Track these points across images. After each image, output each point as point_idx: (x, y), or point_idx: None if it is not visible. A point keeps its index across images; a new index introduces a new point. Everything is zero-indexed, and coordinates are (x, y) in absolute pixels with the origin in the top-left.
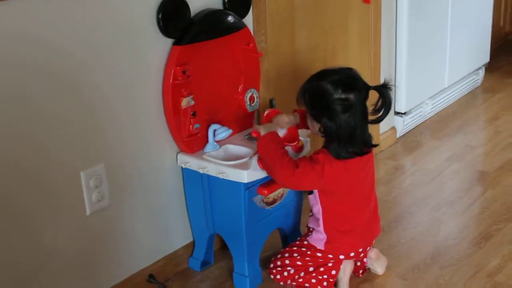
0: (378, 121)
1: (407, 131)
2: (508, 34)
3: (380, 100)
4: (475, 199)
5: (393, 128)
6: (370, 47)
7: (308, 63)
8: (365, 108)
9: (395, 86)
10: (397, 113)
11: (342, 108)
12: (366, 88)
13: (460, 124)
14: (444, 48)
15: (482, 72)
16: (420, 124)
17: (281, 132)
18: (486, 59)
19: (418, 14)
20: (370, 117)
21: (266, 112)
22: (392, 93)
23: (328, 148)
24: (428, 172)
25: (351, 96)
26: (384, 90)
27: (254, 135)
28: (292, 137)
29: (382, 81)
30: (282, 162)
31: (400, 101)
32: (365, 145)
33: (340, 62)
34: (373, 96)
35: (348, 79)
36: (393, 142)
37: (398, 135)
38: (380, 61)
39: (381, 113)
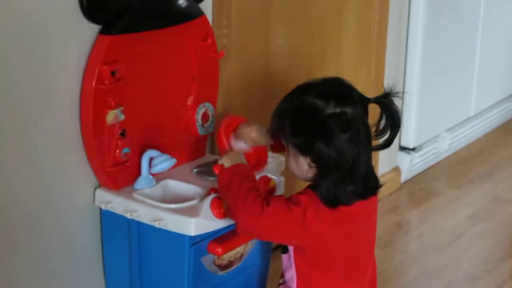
0: (383, 146)
1: (415, 174)
2: None
3: (384, 116)
4: (509, 275)
5: (397, 169)
6: (371, 55)
7: (285, 70)
8: (367, 127)
9: (402, 95)
10: (403, 149)
11: (340, 126)
12: (364, 100)
13: (488, 169)
14: (471, 64)
15: None
16: (434, 165)
17: (242, 146)
18: None
19: (438, 15)
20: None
21: (225, 121)
22: (399, 105)
23: (316, 189)
24: (442, 233)
25: (348, 110)
26: (387, 102)
27: (216, 171)
28: (258, 159)
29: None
30: (246, 197)
31: (408, 132)
32: (368, 183)
33: (330, 71)
34: (372, 113)
35: (340, 89)
36: (396, 188)
37: (403, 178)
38: (383, 75)
39: (387, 134)
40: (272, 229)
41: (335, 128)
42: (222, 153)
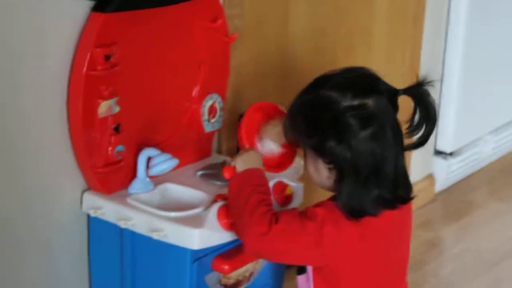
0: (417, 145)
1: (453, 182)
2: None
3: (418, 110)
4: None
5: (431, 177)
6: (405, 41)
7: (307, 56)
8: (395, 122)
9: (440, 87)
10: (438, 153)
11: (357, 120)
12: (392, 92)
13: None
14: None
15: None
16: (475, 172)
17: (271, 147)
18: None
19: (483, 2)
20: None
21: (249, 109)
22: (435, 96)
23: (336, 200)
24: (483, 254)
25: (370, 102)
26: (420, 93)
27: (227, 175)
28: (284, 160)
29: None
30: (253, 212)
31: (445, 134)
32: (398, 189)
33: (357, 58)
34: (404, 107)
35: (361, 79)
36: (429, 199)
37: (438, 188)
38: (419, 65)
39: (421, 131)
40: (282, 250)
41: (351, 124)
42: (241, 143)
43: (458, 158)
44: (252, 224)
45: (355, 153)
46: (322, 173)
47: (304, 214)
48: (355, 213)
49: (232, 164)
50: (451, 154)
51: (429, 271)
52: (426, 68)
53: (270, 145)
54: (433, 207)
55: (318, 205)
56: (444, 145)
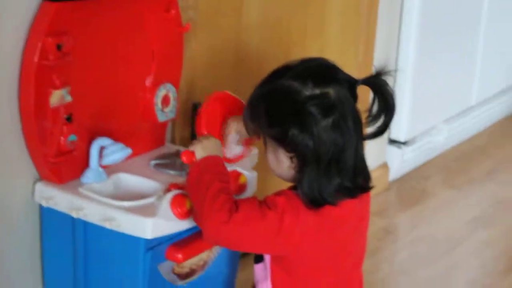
0: (376, 134)
1: (407, 171)
2: None
3: (377, 100)
4: None
5: (385, 166)
6: (359, 32)
7: (260, 46)
8: (355, 112)
9: (395, 75)
10: (392, 142)
11: (319, 109)
12: (351, 82)
13: (492, 166)
14: (474, 47)
15: None
16: (429, 161)
17: (236, 151)
18: None
19: None
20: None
21: (210, 98)
22: (393, 85)
23: (296, 189)
24: (437, 241)
25: (331, 92)
26: (379, 83)
27: (185, 160)
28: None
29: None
30: (214, 200)
31: (399, 123)
32: (357, 178)
33: (312, 49)
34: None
35: (321, 68)
36: (383, 188)
37: (392, 177)
38: (373, 55)
39: (380, 121)
40: (242, 239)
41: (313, 112)
42: (198, 132)
43: (412, 147)
44: (212, 212)
45: (317, 142)
46: (283, 163)
47: (264, 203)
48: (315, 202)
49: (191, 149)
50: (405, 143)
51: (384, 258)
52: (380, 58)
53: (235, 149)
54: (387, 195)
55: (278, 194)
56: (398, 134)
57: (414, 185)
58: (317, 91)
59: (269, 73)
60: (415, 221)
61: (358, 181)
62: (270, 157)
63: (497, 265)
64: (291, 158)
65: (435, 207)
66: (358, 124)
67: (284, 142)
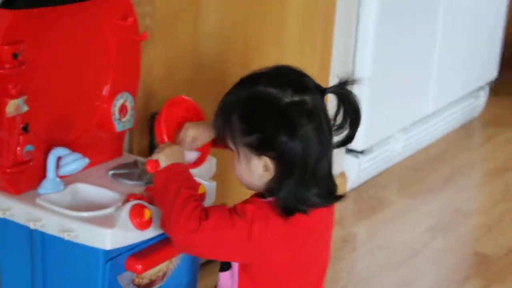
0: (344, 143)
1: (364, 180)
2: None
3: (342, 109)
4: None
5: (342, 175)
6: (316, 39)
7: (217, 55)
8: (328, 120)
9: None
10: (349, 151)
11: (302, 115)
12: (321, 90)
13: (449, 175)
14: (430, 55)
15: (485, 95)
16: (386, 170)
17: (190, 158)
18: (493, 75)
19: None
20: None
21: (166, 104)
22: (358, 95)
23: (267, 196)
24: (395, 250)
25: (307, 99)
26: (345, 92)
27: (149, 169)
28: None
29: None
30: (182, 209)
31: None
32: (331, 186)
33: (268, 57)
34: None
35: (295, 76)
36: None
37: (349, 186)
38: (329, 65)
39: (346, 130)
40: (212, 246)
41: (297, 118)
42: (159, 140)
43: (369, 156)
44: (181, 220)
45: (306, 148)
46: (255, 172)
47: (233, 210)
48: (288, 210)
49: (155, 158)
50: (361, 152)
51: (343, 268)
52: (337, 67)
53: (190, 155)
54: (345, 204)
55: (247, 202)
56: (355, 144)
57: (372, 194)
58: (296, 98)
59: (240, 80)
60: (373, 230)
61: (332, 189)
62: (241, 166)
63: (455, 273)
64: (265, 166)
65: (392, 216)
66: (330, 132)
67: (267, 150)
